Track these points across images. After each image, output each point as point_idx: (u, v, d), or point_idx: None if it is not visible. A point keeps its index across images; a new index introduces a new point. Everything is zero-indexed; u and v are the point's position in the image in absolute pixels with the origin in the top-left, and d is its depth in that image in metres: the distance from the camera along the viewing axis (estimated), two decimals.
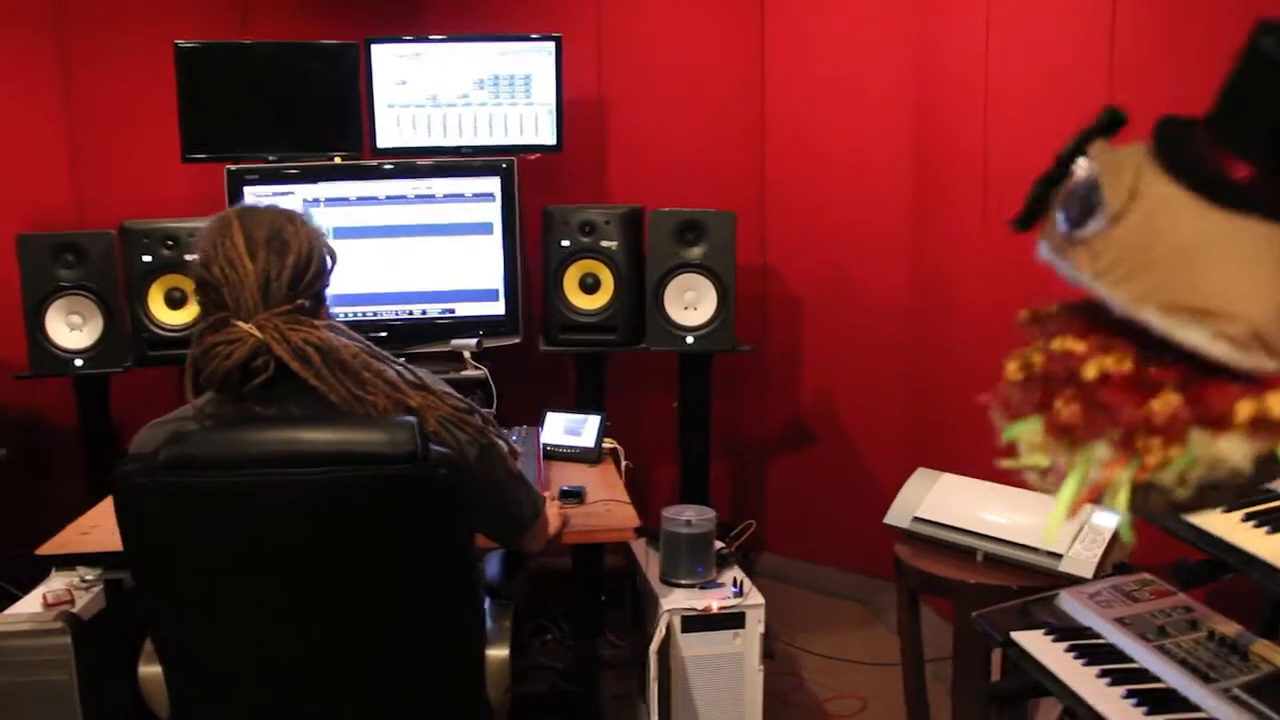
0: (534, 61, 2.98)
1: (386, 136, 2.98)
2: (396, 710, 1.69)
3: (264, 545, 1.55)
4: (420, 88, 2.96)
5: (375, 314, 2.93)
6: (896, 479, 3.37)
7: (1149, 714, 1.48)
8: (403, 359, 1.74)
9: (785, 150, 3.54)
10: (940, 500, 2.37)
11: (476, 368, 2.95)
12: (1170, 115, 0.74)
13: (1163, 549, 2.03)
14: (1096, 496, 0.73)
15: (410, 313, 2.95)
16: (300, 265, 1.63)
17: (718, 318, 2.99)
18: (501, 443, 1.79)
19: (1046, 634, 1.74)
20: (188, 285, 2.76)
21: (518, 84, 2.98)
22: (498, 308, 2.98)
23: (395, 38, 2.95)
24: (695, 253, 2.97)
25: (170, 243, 2.79)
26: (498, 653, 1.81)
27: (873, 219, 3.39)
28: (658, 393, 3.35)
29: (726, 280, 2.99)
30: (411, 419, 1.55)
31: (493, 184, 2.93)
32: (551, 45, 2.97)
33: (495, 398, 2.90)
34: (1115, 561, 2.07)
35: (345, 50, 2.95)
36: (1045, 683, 1.65)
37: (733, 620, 2.49)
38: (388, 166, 2.92)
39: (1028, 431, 0.77)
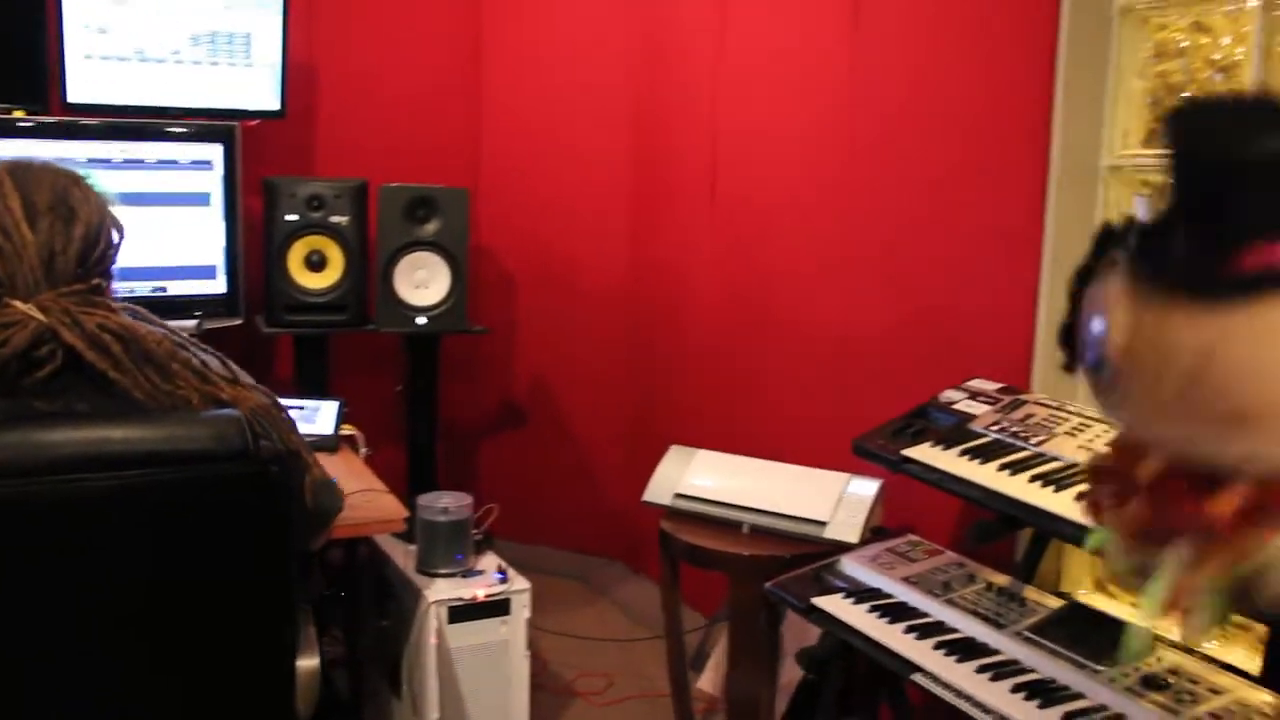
0: (257, 19, 2.73)
1: (80, 91, 2.62)
2: None
3: (59, 560, 1.32)
4: (124, 39, 2.62)
5: None
6: (617, 460, 3.48)
7: (960, 660, 1.63)
8: (205, 343, 1.55)
9: (502, 129, 3.50)
10: (699, 476, 2.45)
11: None
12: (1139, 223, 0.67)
13: (922, 512, 2.24)
14: (1186, 602, 0.67)
15: (115, 291, 2.62)
16: (90, 237, 1.42)
17: (451, 297, 2.92)
18: (297, 437, 1.65)
19: (845, 597, 1.86)
20: None
21: (237, 42, 2.73)
22: (217, 286, 2.72)
23: None
24: (428, 230, 2.88)
25: None
26: (307, 663, 1.66)
27: (591, 203, 3.43)
28: (381, 375, 3.21)
29: (460, 259, 2.92)
30: (234, 411, 1.39)
31: (213, 151, 2.67)
32: (279, 3, 2.74)
33: None
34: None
35: None
36: (856, 643, 1.77)
37: (499, 608, 2.45)
38: (91, 125, 2.57)
39: (1109, 536, 0.71)
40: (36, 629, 1.32)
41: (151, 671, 1.42)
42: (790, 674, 2.30)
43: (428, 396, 3.14)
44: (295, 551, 1.51)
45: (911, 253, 2.43)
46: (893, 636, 1.72)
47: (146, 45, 2.65)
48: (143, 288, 2.65)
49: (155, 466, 1.32)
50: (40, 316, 1.33)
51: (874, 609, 1.80)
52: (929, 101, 2.37)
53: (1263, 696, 1.47)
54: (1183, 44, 1.99)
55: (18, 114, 2.57)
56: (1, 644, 1.31)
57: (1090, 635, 1.64)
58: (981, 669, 1.60)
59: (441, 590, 2.39)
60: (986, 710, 1.52)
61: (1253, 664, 1.62)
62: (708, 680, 2.79)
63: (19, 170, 1.41)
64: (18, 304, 1.33)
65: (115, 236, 1.47)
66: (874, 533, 2.24)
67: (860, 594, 1.87)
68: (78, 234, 1.40)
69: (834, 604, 1.84)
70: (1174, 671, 1.53)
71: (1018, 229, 2.15)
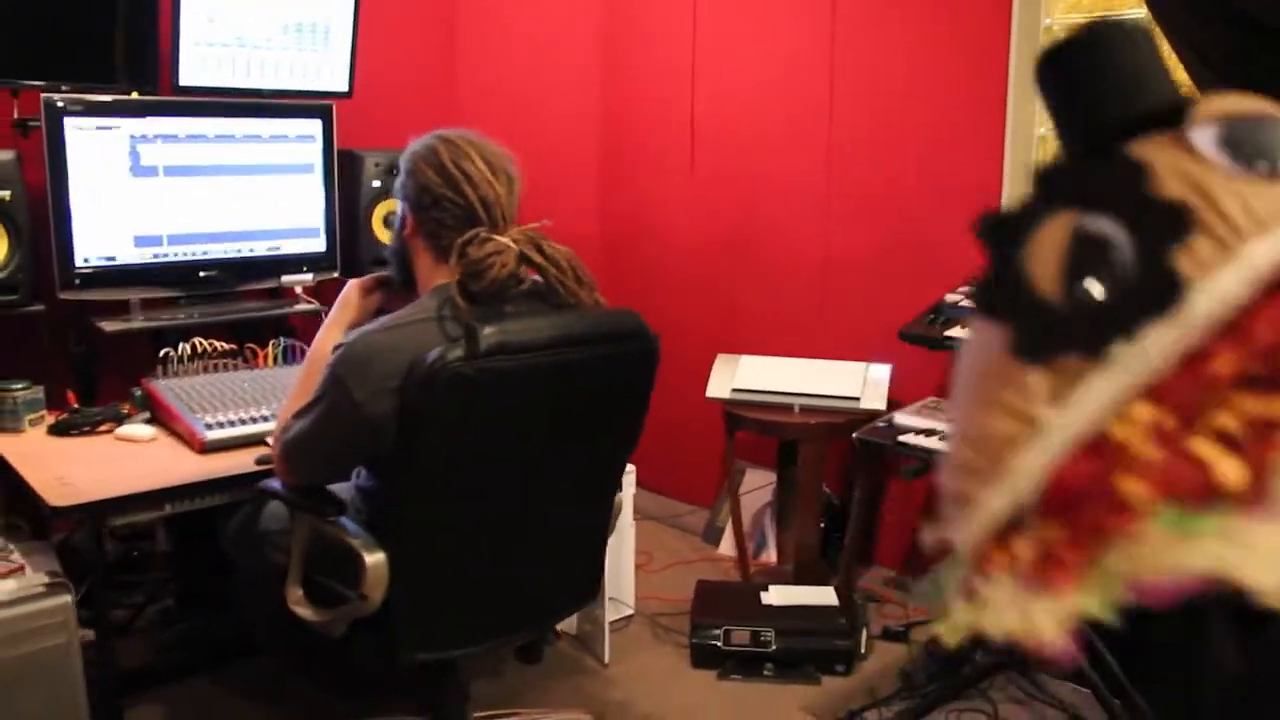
0: (334, 13, 3.15)
1: (190, 74, 2.96)
2: (566, 548, 2.13)
3: (544, 414, 1.90)
4: (228, 27, 2.98)
5: (205, 253, 2.93)
6: None
7: None
8: None
9: (479, 98, 4.02)
10: (748, 375, 3.21)
11: (309, 301, 3.10)
12: None
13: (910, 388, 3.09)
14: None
15: (239, 251, 3.00)
16: (516, 190, 1.97)
17: None
18: None
19: (917, 435, 2.69)
20: None
21: (319, 31, 3.14)
22: (319, 244, 3.15)
23: None
24: None
25: None
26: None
27: (564, 159, 4.04)
28: None
29: None
30: (632, 310, 2.01)
31: (314, 126, 3.09)
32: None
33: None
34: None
35: None
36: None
37: None
38: (217, 103, 2.92)
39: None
40: (530, 445, 1.91)
41: (573, 475, 2.03)
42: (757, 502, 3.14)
43: None
44: None
45: (886, 183, 3.27)
46: None
47: (246, 33, 3.02)
48: (260, 247, 3.04)
49: (602, 344, 1.92)
50: (514, 245, 1.88)
51: (936, 435, 2.64)
52: (901, 82, 3.21)
53: None
54: None
55: (134, 94, 2.88)
56: (513, 457, 1.90)
57: None
58: None
59: None
60: None
61: None
62: (727, 545, 3.57)
63: (465, 140, 1.94)
64: (498, 237, 1.88)
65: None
66: (889, 403, 3.09)
67: (923, 431, 2.71)
68: (517, 188, 1.95)
69: (917, 439, 2.67)
70: None
71: (982, 175, 3.04)
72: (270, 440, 2.37)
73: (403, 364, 1.78)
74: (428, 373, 1.75)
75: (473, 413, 1.81)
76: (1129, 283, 0.57)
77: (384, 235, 3.25)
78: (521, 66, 3.97)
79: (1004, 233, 0.63)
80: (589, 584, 2.20)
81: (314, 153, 3.10)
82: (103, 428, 2.54)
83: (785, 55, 3.46)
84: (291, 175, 3.07)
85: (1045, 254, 0.60)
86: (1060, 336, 0.58)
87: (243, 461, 2.32)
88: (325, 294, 3.19)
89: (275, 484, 2.07)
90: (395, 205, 3.20)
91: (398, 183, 2.01)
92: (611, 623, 2.87)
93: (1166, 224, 0.57)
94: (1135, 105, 0.66)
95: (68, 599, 2.15)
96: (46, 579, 2.16)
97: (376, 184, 3.20)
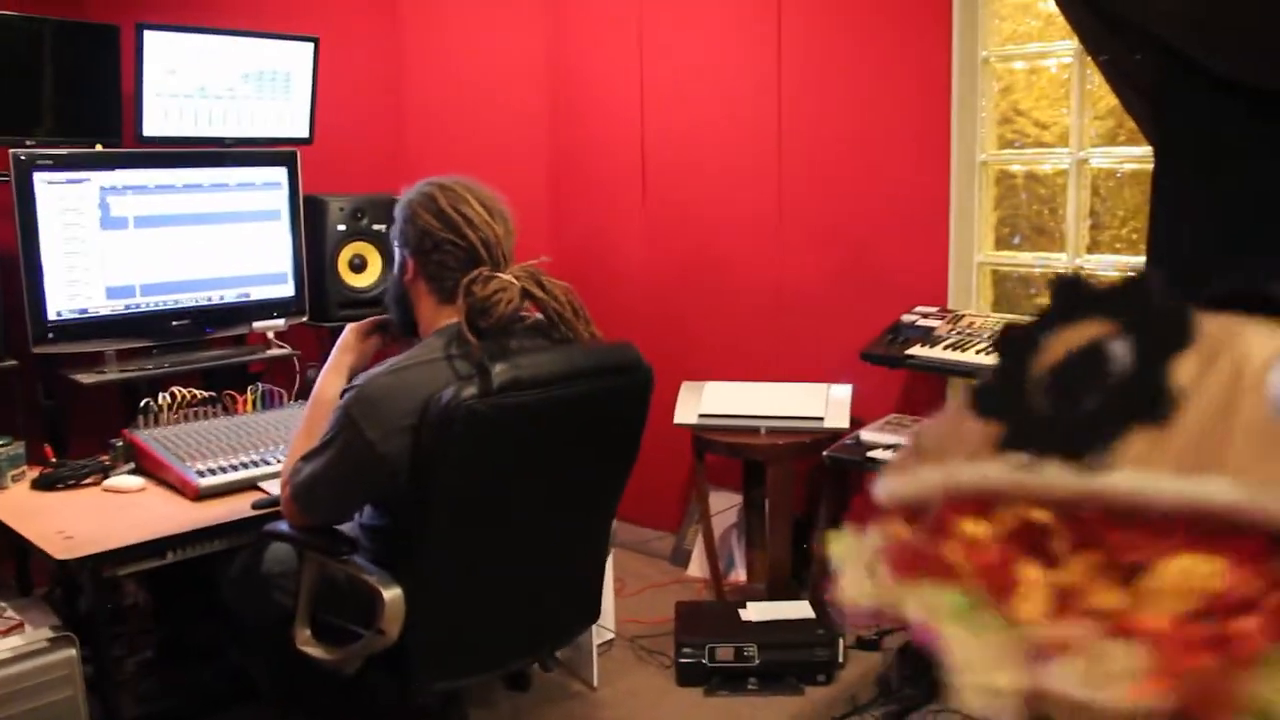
0: (295, 61, 3.20)
1: (154, 125, 2.98)
2: (572, 570, 2.21)
3: (552, 446, 1.98)
4: (190, 78, 3.01)
5: (176, 302, 2.95)
6: None
7: None
8: None
9: (424, 137, 4.07)
10: (713, 400, 3.31)
11: (281, 346, 3.13)
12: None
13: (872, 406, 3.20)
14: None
15: (209, 299, 3.02)
16: (511, 230, 2.05)
17: None
18: None
19: (885, 450, 2.82)
20: None
21: (279, 80, 3.19)
22: (288, 289, 3.18)
23: (171, 25, 2.95)
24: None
25: None
26: None
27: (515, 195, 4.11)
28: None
29: None
30: (629, 343, 2.10)
31: (280, 173, 3.13)
32: (310, 45, 3.23)
33: (299, 374, 3.12)
34: None
35: (108, 31, 2.89)
36: None
37: None
38: (180, 153, 2.95)
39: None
40: (538, 476, 1.99)
41: (577, 503, 2.11)
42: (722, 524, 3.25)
43: None
44: None
45: (836, 211, 3.41)
46: None
47: (208, 83, 3.06)
48: (230, 294, 3.06)
49: (605, 377, 2.01)
50: (516, 282, 1.96)
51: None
52: (848, 111, 3.37)
53: None
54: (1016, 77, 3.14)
55: (97, 146, 2.90)
56: (523, 487, 1.97)
57: None
58: None
59: None
60: None
61: None
62: (695, 567, 3.66)
63: (462, 185, 2.01)
64: (501, 274, 1.95)
65: None
66: (851, 422, 3.22)
67: (889, 446, 2.84)
68: (511, 227, 2.03)
69: (885, 454, 2.80)
70: None
71: (929, 201, 3.20)
72: (264, 486, 2.41)
73: (415, 404, 1.85)
74: (444, 411, 1.82)
75: (487, 447, 1.88)
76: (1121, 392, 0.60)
77: (350, 278, 3.30)
78: (468, 110, 4.04)
79: (1015, 343, 0.67)
80: (593, 604, 2.27)
81: (280, 199, 3.14)
82: (88, 480, 2.54)
83: (733, 87, 3.60)
84: (259, 222, 3.10)
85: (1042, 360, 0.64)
86: (1039, 441, 0.61)
87: (238, 507, 2.35)
88: (294, 338, 3.23)
89: (281, 526, 2.10)
90: (360, 248, 3.32)
91: (394, 230, 2.08)
92: (596, 647, 2.94)
93: (1167, 339, 0.60)
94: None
95: (73, 652, 2.16)
96: (50, 633, 2.17)
97: (341, 228, 3.25)
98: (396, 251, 2.08)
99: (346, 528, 2.10)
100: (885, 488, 0.73)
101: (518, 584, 2.09)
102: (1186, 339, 0.59)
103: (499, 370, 1.85)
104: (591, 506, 2.16)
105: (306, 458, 1.98)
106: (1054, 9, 2.90)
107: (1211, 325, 0.60)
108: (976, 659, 0.60)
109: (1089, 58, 2.66)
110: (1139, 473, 0.56)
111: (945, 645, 0.62)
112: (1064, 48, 2.99)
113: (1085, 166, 2.99)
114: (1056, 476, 0.58)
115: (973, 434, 0.65)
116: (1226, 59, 2.36)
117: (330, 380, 2.14)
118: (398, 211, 2.06)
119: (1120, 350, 0.59)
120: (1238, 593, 0.54)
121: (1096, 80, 2.87)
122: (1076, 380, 0.61)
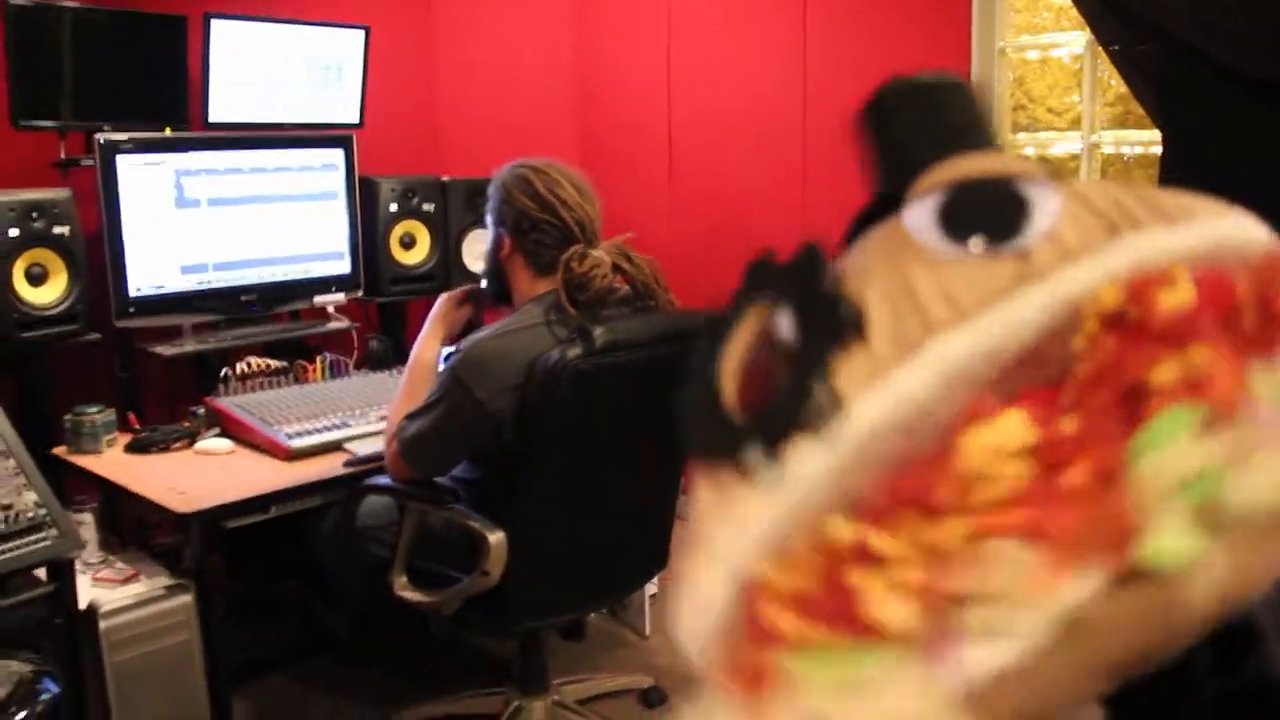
0: (346, 54, 3.36)
1: (218, 112, 3.13)
2: (648, 519, 2.41)
3: (639, 404, 2.16)
4: (252, 65, 3.17)
5: (243, 279, 3.11)
6: None
7: None
8: None
9: (458, 122, 4.23)
10: None
11: (340, 319, 3.30)
12: None
13: None
14: None
15: (274, 275, 3.18)
16: (599, 209, 2.24)
17: None
18: None
19: None
20: (51, 261, 2.71)
21: (333, 70, 3.35)
22: (344, 266, 3.35)
23: (237, 15, 3.11)
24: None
25: (34, 215, 2.69)
26: None
27: None
28: None
29: None
30: (703, 309, 2.29)
31: (338, 155, 3.29)
32: (361, 33, 3.39)
33: (356, 346, 3.30)
34: None
35: (176, 21, 3.04)
36: None
37: None
38: (248, 137, 3.11)
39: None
40: (626, 432, 2.19)
41: (657, 458, 2.31)
42: None
43: None
44: None
45: (860, 196, 3.63)
46: None
47: (270, 70, 3.21)
48: (294, 270, 3.23)
49: (686, 340, 2.21)
50: (608, 259, 2.15)
51: None
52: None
53: None
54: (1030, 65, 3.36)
55: (166, 130, 3.05)
56: (613, 442, 2.17)
57: None
58: None
59: None
60: None
61: None
62: None
63: (553, 169, 2.20)
64: (594, 251, 2.15)
65: None
66: None
67: None
68: (599, 208, 2.22)
69: None
70: None
71: None
72: (349, 446, 2.58)
73: (520, 365, 2.04)
74: (551, 371, 2.02)
75: (587, 404, 2.08)
76: (784, 393, 0.48)
77: (401, 255, 3.47)
78: (500, 95, 4.21)
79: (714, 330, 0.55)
80: (663, 552, 2.47)
81: (338, 181, 3.30)
82: (176, 445, 2.70)
83: (758, 72, 3.80)
84: (318, 202, 3.26)
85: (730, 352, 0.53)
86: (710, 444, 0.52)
87: (328, 466, 2.52)
88: (350, 312, 3.40)
89: (382, 480, 2.29)
90: (410, 227, 3.49)
91: (488, 208, 2.26)
92: (649, 597, 3.14)
93: (829, 326, 0.49)
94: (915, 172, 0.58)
95: (189, 599, 2.34)
96: (168, 580, 2.34)
97: (393, 207, 3.41)
98: (491, 229, 2.27)
99: (442, 482, 2.29)
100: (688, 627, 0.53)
101: (602, 532, 2.29)
102: (836, 286, 0.51)
103: (599, 333, 2.05)
104: (669, 461, 2.36)
105: (412, 416, 2.16)
106: (1066, 1, 3.12)
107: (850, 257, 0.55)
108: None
109: (1100, 48, 2.88)
110: (873, 393, 0.46)
111: None
112: (1075, 38, 3.21)
113: (1096, 150, 3.22)
114: (812, 467, 0.47)
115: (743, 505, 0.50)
116: (1228, 49, 2.59)
117: (428, 345, 2.33)
118: (491, 192, 2.25)
119: (784, 321, 0.51)
120: (1054, 429, 0.45)
121: (1107, 69, 3.10)
122: (766, 367, 0.51)
